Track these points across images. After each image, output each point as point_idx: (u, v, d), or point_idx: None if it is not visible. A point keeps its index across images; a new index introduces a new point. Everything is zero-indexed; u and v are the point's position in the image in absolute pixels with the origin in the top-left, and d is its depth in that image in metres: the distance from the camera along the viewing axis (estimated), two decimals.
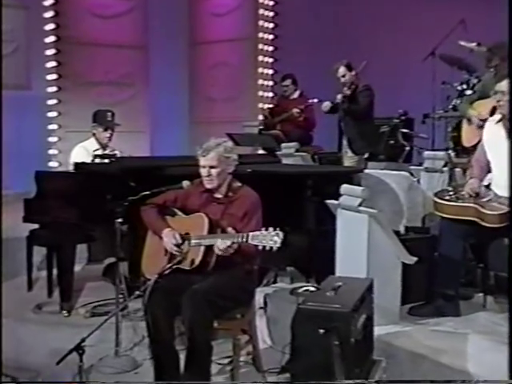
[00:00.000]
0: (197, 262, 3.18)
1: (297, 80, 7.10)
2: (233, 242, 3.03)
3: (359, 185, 4.24)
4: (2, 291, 3.53)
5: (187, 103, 8.70)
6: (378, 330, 3.17)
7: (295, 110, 6.63)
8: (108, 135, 5.06)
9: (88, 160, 4.71)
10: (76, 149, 5.11)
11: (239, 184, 3.40)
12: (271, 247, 2.96)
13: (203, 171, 3.31)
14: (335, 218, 3.87)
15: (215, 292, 3.07)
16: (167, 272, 3.21)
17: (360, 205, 3.65)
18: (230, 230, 3.12)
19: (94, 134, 5.09)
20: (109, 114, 5.08)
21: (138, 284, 3.32)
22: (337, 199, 3.87)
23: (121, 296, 3.60)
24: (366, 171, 4.86)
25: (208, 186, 3.33)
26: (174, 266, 3.22)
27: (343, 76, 5.66)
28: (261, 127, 7.24)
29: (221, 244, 3.05)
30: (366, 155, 5.70)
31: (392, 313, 3.61)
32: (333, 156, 6.51)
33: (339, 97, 5.63)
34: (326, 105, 5.84)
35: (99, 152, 4.86)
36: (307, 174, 4.58)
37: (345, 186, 3.87)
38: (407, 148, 6.39)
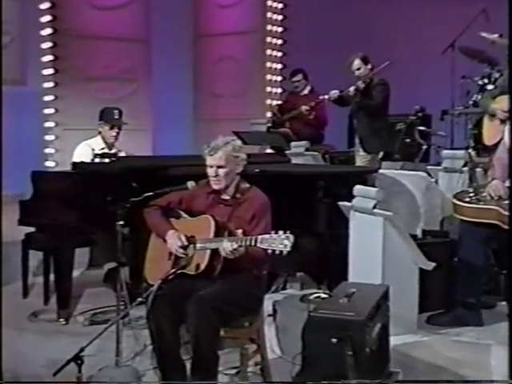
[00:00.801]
0: (202, 266, 3.19)
1: (307, 75, 7.11)
2: (240, 245, 3.04)
3: (373, 186, 4.24)
4: (1, 294, 3.53)
5: (191, 100, 8.72)
6: (394, 340, 3.18)
7: (304, 107, 6.62)
8: (114, 134, 5.10)
9: (90, 159, 4.74)
10: (80, 146, 5.15)
11: (247, 185, 3.40)
12: (281, 251, 2.96)
13: (210, 171, 3.32)
14: (348, 220, 3.88)
15: (222, 298, 3.08)
16: (171, 277, 3.21)
17: (374, 207, 3.65)
18: (239, 232, 3.12)
19: (99, 133, 5.14)
20: (116, 111, 5.12)
21: (140, 290, 3.33)
22: (350, 201, 3.87)
23: (122, 303, 3.61)
24: (381, 171, 4.86)
25: (215, 187, 3.35)
26: (179, 271, 3.22)
27: (358, 69, 5.65)
28: (269, 125, 7.26)
29: (227, 246, 3.06)
30: (380, 154, 5.69)
31: (409, 322, 3.61)
32: (345, 155, 6.51)
33: (352, 89, 5.61)
34: (334, 92, 5.82)
35: (101, 151, 4.89)
36: (318, 175, 4.60)
37: (358, 187, 3.88)
38: (424, 147, 6.38)
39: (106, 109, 5.19)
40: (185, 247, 3.26)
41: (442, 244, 4.05)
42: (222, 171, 3.30)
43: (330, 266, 4.42)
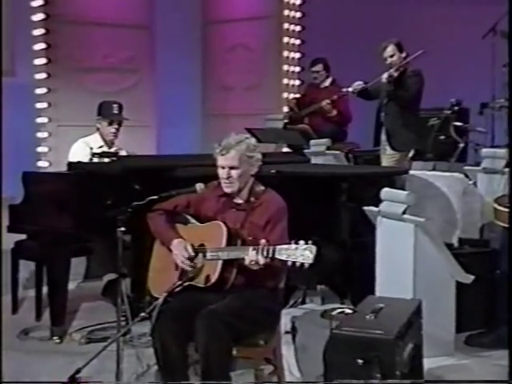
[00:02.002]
0: (213, 278, 3.20)
1: (329, 65, 7.10)
2: (266, 256, 3.03)
3: (403, 189, 4.23)
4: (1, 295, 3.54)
5: (200, 93, 8.75)
6: (428, 363, 3.17)
7: (325, 102, 6.61)
8: (114, 131, 5.12)
9: (87, 158, 4.76)
10: (76, 144, 5.18)
11: (262, 187, 3.41)
12: (302, 264, 2.96)
13: (222, 172, 3.33)
14: (374, 227, 3.87)
15: (234, 313, 3.08)
16: (178, 290, 3.21)
17: (404, 212, 3.64)
18: (262, 241, 3.08)
19: (97, 129, 5.16)
20: (115, 105, 5.14)
21: (144, 304, 3.35)
22: (376, 206, 3.86)
23: (123, 318, 3.61)
24: (412, 172, 4.85)
25: (227, 190, 3.35)
26: (187, 283, 3.23)
27: (391, 56, 5.63)
28: (286, 121, 7.25)
29: (252, 256, 3.04)
30: (410, 153, 5.67)
31: (445, 342, 3.60)
32: (371, 154, 6.50)
33: (384, 76, 5.58)
34: (358, 84, 5.81)
35: (100, 149, 4.91)
36: (341, 176, 4.59)
37: (386, 189, 3.87)
38: (461, 145, 6.36)
39: (104, 103, 5.21)
40: (192, 258, 3.27)
41: (481, 254, 4.03)
42: (234, 172, 3.31)
43: (355, 278, 4.42)
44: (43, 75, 7.55)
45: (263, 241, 3.08)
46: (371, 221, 3.93)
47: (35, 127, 7.60)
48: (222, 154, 3.31)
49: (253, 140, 3.42)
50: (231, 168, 3.30)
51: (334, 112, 6.70)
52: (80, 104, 7.02)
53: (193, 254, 3.27)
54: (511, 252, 3.33)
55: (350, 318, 3.33)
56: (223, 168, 3.32)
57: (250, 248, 3.08)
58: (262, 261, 3.04)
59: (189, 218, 3.43)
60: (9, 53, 7.51)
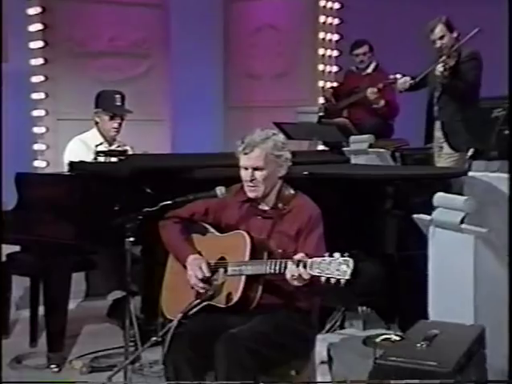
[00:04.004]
0: (235, 297, 3.20)
1: (373, 48, 7.08)
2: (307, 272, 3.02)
3: (461, 193, 4.20)
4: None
5: (221, 82, 8.77)
6: None
7: (371, 90, 6.58)
8: (116, 125, 5.14)
9: (88, 158, 4.80)
10: (72, 142, 5.20)
11: (292, 191, 3.42)
12: (338, 280, 2.96)
13: (245, 174, 3.34)
14: (426, 239, 3.85)
15: (260, 339, 3.09)
16: (195, 311, 3.23)
17: (462, 221, 3.62)
18: (300, 255, 3.08)
19: (96, 124, 5.18)
20: (117, 96, 5.16)
21: (155, 327, 3.36)
22: (429, 213, 3.84)
23: (131, 344, 3.64)
24: (471, 174, 4.81)
25: (251, 195, 3.36)
26: (205, 303, 3.24)
27: (441, 38, 5.61)
28: (321, 114, 7.25)
29: (293, 270, 3.03)
30: (470, 152, 5.63)
31: None
32: (422, 153, 6.46)
33: (439, 67, 5.56)
34: (405, 80, 5.79)
35: (103, 147, 4.93)
36: (386, 179, 4.58)
37: (440, 194, 3.85)
38: None
39: (103, 92, 5.23)
40: (207, 280, 3.28)
41: None
42: (259, 174, 3.32)
43: (403, 298, 4.39)
44: (40, 61, 7.58)
45: (301, 254, 3.07)
46: (422, 231, 3.91)
47: (31, 121, 7.64)
48: (245, 153, 3.32)
49: (281, 136, 3.43)
50: (255, 169, 3.31)
51: (382, 102, 6.66)
52: (82, 94, 7.03)
53: (208, 274, 3.29)
54: (511, 254, 3.29)
55: (397, 345, 3.34)
56: (246, 169, 3.33)
57: (290, 262, 3.07)
58: (305, 275, 3.02)
59: (207, 227, 3.45)
60: (1, 35, 7.58)
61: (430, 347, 2.83)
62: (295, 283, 3.07)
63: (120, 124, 5.14)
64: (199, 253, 3.37)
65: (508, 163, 4.97)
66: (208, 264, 3.31)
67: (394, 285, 4.52)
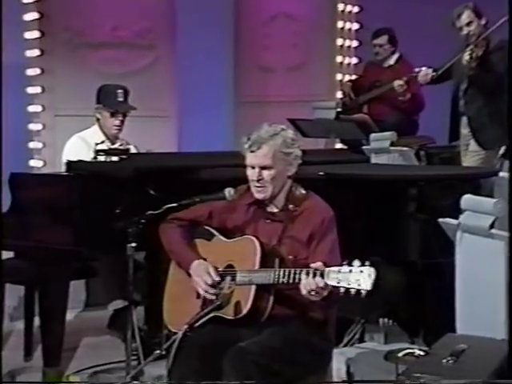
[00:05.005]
0: (245, 308, 3.21)
1: (396, 38, 7.06)
2: (326, 284, 3.00)
3: (491, 196, 4.19)
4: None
5: (231, 75, 8.76)
6: None
7: (398, 83, 6.53)
8: (117, 123, 5.16)
9: (89, 157, 4.81)
10: (72, 141, 5.24)
11: (303, 191, 3.42)
12: (358, 291, 2.95)
13: (251, 173, 3.34)
14: (453, 245, 3.84)
15: (271, 353, 3.10)
16: (201, 322, 3.23)
17: (492, 226, 3.61)
18: (318, 264, 3.05)
19: (97, 120, 5.21)
20: (119, 91, 5.17)
21: (160, 339, 3.37)
22: (456, 217, 3.84)
23: (133, 357, 3.65)
24: (502, 174, 4.80)
25: (258, 196, 3.36)
26: (212, 314, 3.25)
27: (468, 24, 5.59)
28: (339, 109, 7.25)
29: (310, 282, 3.01)
30: (501, 150, 5.61)
31: None
32: (448, 152, 6.45)
33: (466, 55, 5.54)
34: (426, 73, 5.77)
35: (104, 146, 4.95)
36: (409, 180, 4.58)
37: (468, 196, 3.84)
38: None
39: (105, 87, 5.26)
40: (217, 285, 3.27)
41: None
42: (267, 173, 3.31)
43: (428, 310, 4.39)
44: (35, 52, 7.56)
45: (319, 263, 3.05)
46: (449, 237, 3.90)
47: (26, 117, 7.66)
48: (252, 151, 3.32)
49: (290, 132, 3.42)
50: (263, 168, 3.31)
51: (408, 95, 6.62)
52: (82, 88, 7.06)
53: (217, 279, 3.29)
54: (511, 259, 3.30)
55: (421, 361, 3.33)
56: (253, 168, 3.33)
57: (303, 271, 3.06)
58: (321, 284, 2.99)
59: (212, 231, 3.45)
60: None
61: (457, 363, 2.83)
62: (313, 298, 3.06)
63: (122, 121, 5.16)
64: (204, 259, 3.37)
65: (508, 163, 4.99)
66: (216, 269, 3.32)
67: (418, 295, 4.52)
